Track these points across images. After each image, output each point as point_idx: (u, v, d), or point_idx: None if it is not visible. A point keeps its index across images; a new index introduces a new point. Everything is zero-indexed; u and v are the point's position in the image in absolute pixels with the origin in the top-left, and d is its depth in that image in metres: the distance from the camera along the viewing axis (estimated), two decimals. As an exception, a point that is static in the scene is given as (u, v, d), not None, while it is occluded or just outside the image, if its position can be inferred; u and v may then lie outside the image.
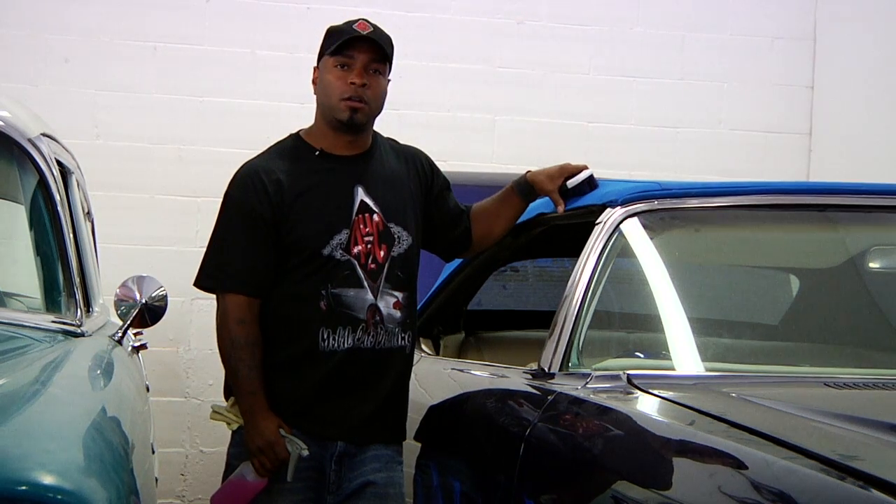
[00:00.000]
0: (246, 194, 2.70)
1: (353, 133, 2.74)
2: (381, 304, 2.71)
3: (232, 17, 5.53)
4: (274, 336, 2.69)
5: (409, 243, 2.77)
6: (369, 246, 2.70)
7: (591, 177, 2.84)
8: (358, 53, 2.68)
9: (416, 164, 2.87)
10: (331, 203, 2.70)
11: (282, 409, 2.68)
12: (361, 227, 2.71)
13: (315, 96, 2.77)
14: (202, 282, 2.73)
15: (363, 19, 2.72)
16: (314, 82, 2.76)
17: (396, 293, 2.73)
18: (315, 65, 2.77)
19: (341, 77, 2.68)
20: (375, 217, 2.72)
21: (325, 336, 2.66)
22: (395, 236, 2.75)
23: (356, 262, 2.69)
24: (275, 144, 2.82)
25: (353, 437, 2.71)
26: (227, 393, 2.77)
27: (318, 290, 2.67)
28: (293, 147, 2.78)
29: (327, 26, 2.77)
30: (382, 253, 2.72)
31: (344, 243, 2.68)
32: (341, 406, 2.69)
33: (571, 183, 2.83)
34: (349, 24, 2.71)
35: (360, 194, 2.72)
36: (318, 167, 2.74)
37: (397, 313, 2.73)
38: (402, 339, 2.75)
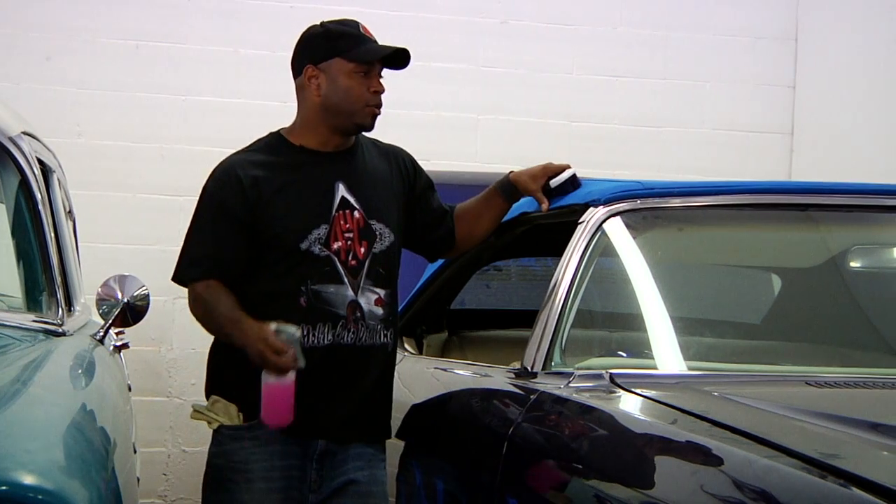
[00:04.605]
0: (220, 189, 2.70)
1: (355, 134, 2.77)
2: (363, 301, 2.70)
3: (214, 16, 5.52)
4: (258, 311, 2.67)
5: (391, 241, 2.77)
6: (349, 242, 2.70)
7: (573, 176, 2.84)
8: (376, 62, 2.73)
9: (399, 162, 2.87)
10: (310, 198, 2.70)
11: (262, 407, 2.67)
12: (342, 222, 2.70)
13: (310, 96, 2.73)
14: (175, 275, 2.75)
15: (359, 22, 2.76)
16: (310, 79, 2.73)
17: (378, 290, 2.73)
18: (311, 64, 2.72)
19: (363, 84, 2.70)
20: (356, 214, 2.72)
21: (305, 333, 2.65)
22: (377, 233, 2.74)
23: (336, 258, 2.68)
24: (255, 141, 2.82)
25: (333, 435, 2.70)
26: (209, 393, 2.76)
27: (297, 286, 2.66)
28: (274, 144, 2.78)
29: (319, 24, 2.75)
30: (363, 249, 2.72)
31: (323, 238, 2.68)
32: (322, 403, 2.68)
33: (554, 182, 2.83)
34: (355, 27, 2.74)
35: (342, 190, 2.72)
36: (298, 163, 2.74)
37: (379, 310, 2.73)
38: (384, 336, 2.74)
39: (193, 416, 2.75)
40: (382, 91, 2.73)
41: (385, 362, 2.78)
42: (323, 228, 2.68)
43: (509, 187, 2.89)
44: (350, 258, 2.70)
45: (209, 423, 2.72)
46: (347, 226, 2.70)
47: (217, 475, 2.72)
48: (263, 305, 2.67)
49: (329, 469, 2.70)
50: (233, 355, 2.71)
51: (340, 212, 2.71)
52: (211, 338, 2.80)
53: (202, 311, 2.70)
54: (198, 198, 2.75)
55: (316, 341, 2.66)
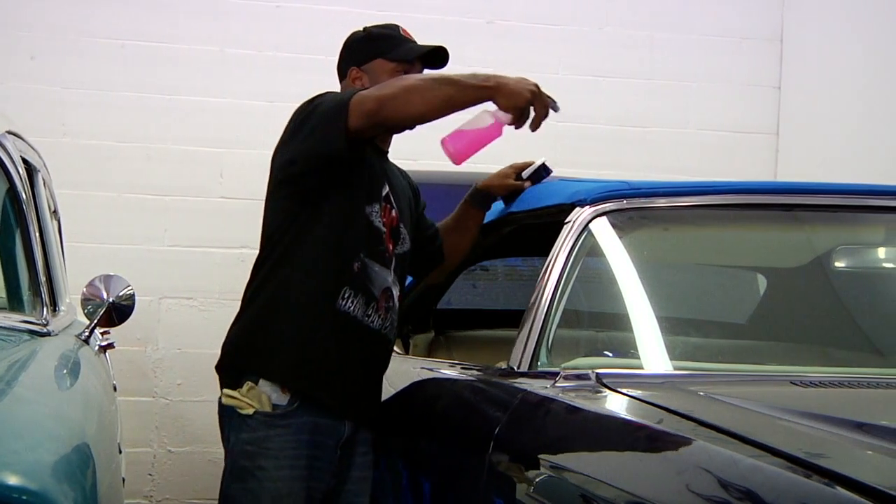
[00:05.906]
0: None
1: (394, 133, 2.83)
2: (394, 291, 2.78)
3: (200, 15, 5.50)
4: (308, 262, 2.67)
5: (408, 248, 2.86)
6: (384, 235, 2.77)
7: (543, 164, 2.92)
8: (415, 61, 2.85)
9: (409, 180, 3.01)
10: (371, 180, 2.75)
11: (299, 366, 2.68)
12: (383, 214, 2.78)
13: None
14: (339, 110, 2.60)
15: (399, 25, 2.91)
16: (354, 80, 2.82)
17: (399, 286, 2.82)
18: (355, 66, 2.83)
19: None
20: (394, 212, 2.81)
21: (346, 295, 2.69)
22: (402, 236, 2.84)
23: (386, 242, 2.75)
24: None
25: (358, 418, 2.77)
26: (224, 384, 2.76)
27: (356, 250, 2.69)
28: None
29: (362, 29, 2.90)
30: (391, 247, 2.79)
31: (377, 214, 2.74)
32: (354, 379, 2.73)
33: (526, 173, 2.93)
34: (395, 29, 2.89)
35: (386, 187, 2.80)
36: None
37: (397, 305, 2.82)
38: (394, 332, 2.82)
39: (226, 400, 2.74)
40: None
41: (389, 357, 2.86)
42: (377, 207, 2.75)
43: (479, 196, 3.01)
44: (388, 248, 2.76)
45: (242, 408, 2.71)
46: (385, 220, 2.78)
47: (246, 462, 2.70)
48: (319, 257, 2.67)
49: (347, 456, 2.77)
50: (271, 336, 2.70)
51: (385, 204, 2.78)
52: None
53: (401, 91, 2.59)
54: (306, 111, 2.66)
55: (351, 309, 2.69)
